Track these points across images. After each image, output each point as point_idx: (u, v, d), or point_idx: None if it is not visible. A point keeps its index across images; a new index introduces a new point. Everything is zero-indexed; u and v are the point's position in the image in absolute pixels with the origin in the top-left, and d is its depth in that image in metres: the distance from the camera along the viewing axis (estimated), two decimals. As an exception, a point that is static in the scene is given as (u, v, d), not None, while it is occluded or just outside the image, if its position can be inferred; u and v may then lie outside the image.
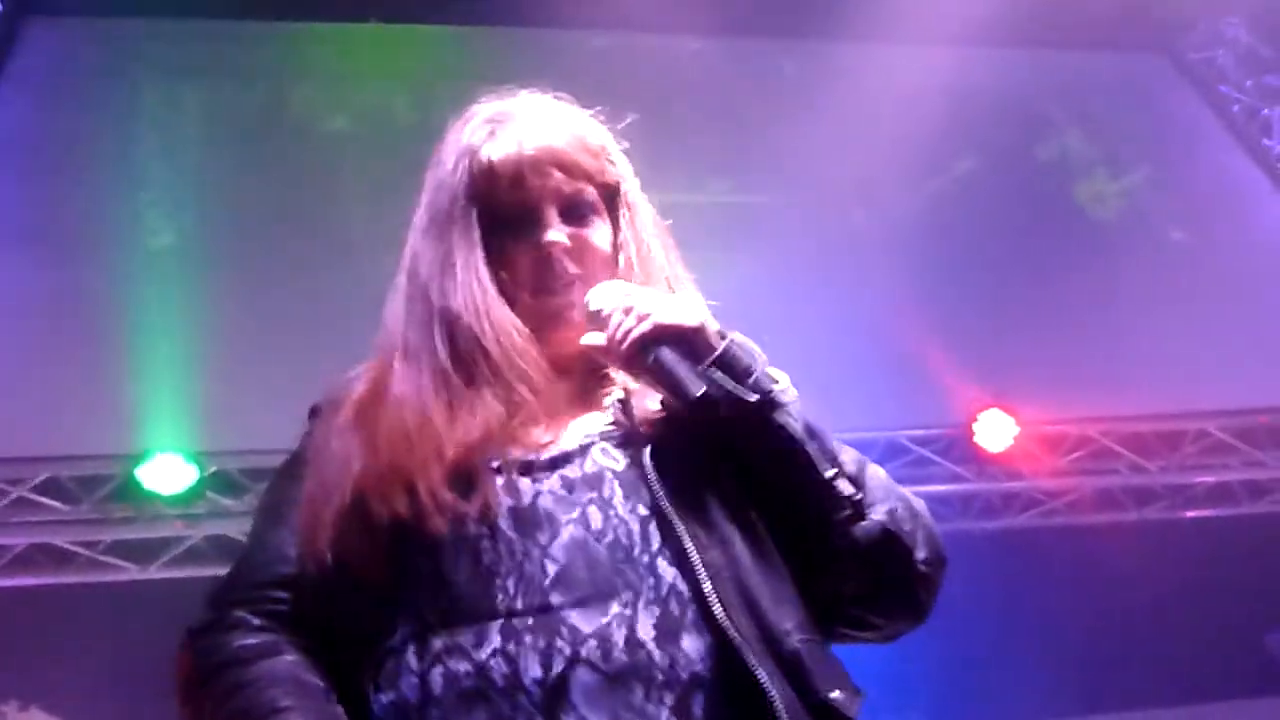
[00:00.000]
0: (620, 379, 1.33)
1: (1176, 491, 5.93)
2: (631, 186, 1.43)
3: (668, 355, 1.24)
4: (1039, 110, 6.65)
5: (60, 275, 5.02)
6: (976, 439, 5.42)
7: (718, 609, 1.14)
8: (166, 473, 4.83)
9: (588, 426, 1.29)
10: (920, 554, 1.27)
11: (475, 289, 1.31)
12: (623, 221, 1.41)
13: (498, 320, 1.30)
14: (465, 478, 1.21)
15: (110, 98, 5.65)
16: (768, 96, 6.21)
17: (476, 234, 1.34)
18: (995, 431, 5.40)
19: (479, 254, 1.33)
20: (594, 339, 1.30)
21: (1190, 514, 6.00)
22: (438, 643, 1.15)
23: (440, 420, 1.25)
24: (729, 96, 6.05)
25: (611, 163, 1.41)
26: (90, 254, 5.15)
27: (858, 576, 1.27)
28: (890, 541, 1.25)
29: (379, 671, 1.18)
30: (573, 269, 1.33)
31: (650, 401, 1.30)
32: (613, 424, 1.29)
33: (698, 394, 1.21)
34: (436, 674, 1.14)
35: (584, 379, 1.34)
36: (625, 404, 1.31)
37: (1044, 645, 6.22)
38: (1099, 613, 6.17)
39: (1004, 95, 6.24)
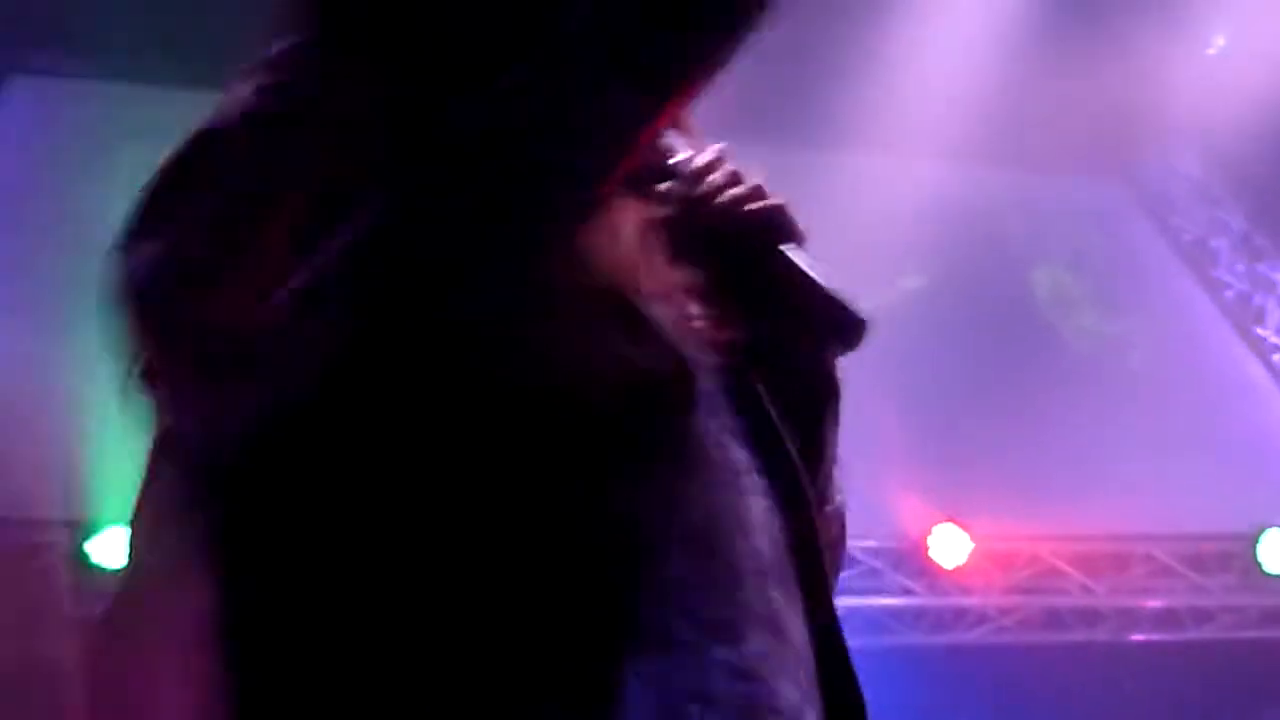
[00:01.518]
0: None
1: (1123, 614, 5.92)
2: None
3: (803, 257, 0.90)
4: (1002, 229, 6.80)
5: (28, 339, 4.93)
6: (930, 553, 5.40)
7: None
8: (117, 546, 4.59)
9: None
10: None
11: None
12: None
13: None
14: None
15: (89, 158, 5.65)
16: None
17: None
18: (948, 546, 5.39)
19: None
20: (663, 196, 0.91)
21: (1137, 637, 5.99)
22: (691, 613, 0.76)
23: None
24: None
25: None
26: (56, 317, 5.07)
27: None
28: None
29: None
30: None
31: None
32: None
33: (863, 324, 0.92)
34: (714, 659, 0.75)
35: None
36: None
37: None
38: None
39: (968, 213, 6.37)
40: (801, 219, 0.94)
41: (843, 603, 1.24)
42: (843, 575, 1.27)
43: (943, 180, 6.20)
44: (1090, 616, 5.92)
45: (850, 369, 1.08)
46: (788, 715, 0.77)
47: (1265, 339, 7.07)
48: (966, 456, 5.47)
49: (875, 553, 5.37)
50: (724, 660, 0.75)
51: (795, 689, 0.78)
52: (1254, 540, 5.74)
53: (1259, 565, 5.75)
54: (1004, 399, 5.83)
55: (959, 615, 5.76)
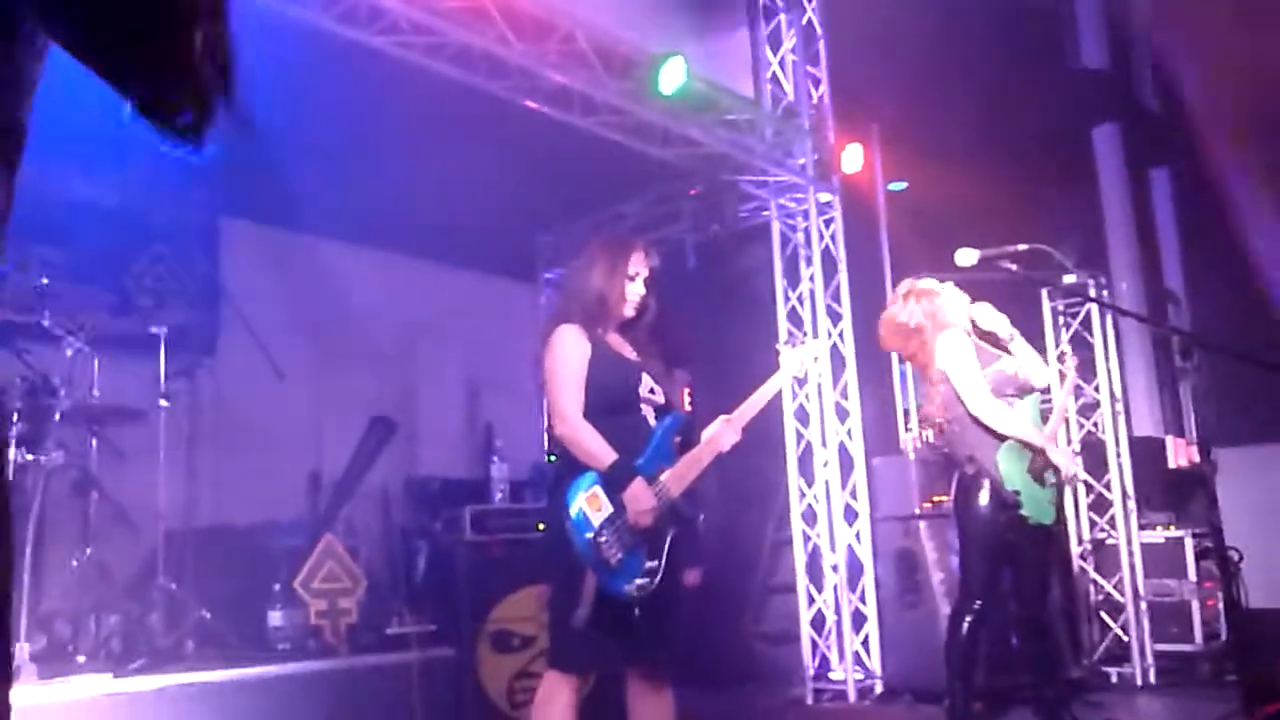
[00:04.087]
0: None
1: (528, 75, 6.10)
2: None
3: None
4: None
5: None
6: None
7: None
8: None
9: None
10: None
11: None
12: None
13: None
14: None
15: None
16: None
17: None
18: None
19: None
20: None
21: (531, 104, 6.26)
22: None
23: None
24: None
25: None
26: None
27: None
28: None
29: None
30: None
31: None
32: None
33: None
34: None
35: None
36: None
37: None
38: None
39: None
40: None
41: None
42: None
43: None
44: (498, 68, 6.03)
45: None
46: None
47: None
48: None
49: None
50: None
51: None
52: (662, 60, 6.18)
53: (656, 82, 6.24)
54: None
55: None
